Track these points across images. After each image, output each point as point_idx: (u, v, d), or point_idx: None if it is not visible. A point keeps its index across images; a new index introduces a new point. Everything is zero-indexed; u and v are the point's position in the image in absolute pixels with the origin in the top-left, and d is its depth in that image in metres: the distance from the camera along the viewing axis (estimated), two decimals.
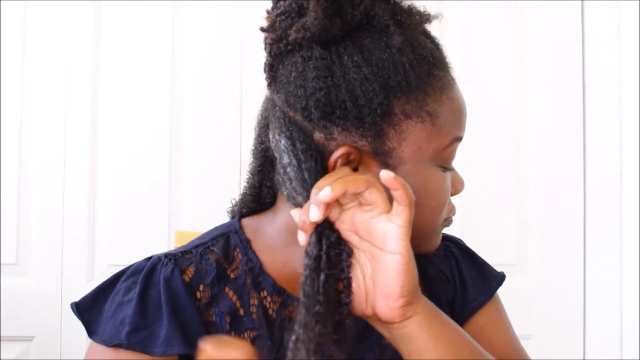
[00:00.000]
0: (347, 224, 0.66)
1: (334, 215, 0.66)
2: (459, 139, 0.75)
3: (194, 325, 0.74)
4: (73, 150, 1.68)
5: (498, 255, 1.75)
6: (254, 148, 0.81)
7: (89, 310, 0.77)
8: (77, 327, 0.82)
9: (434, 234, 0.77)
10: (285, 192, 0.72)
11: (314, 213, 0.63)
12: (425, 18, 0.75)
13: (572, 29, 1.79)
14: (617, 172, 1.75)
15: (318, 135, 0.70)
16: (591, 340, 1.76)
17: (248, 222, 0.81)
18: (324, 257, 0.64)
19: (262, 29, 0.73)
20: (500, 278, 0.91)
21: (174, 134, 1.70)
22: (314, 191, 0.63)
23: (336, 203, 0.66)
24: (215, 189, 1.68)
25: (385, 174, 0.63)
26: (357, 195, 0.65)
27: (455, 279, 0.88)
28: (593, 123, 1.78)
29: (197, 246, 0.79)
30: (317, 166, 0.69)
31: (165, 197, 1.69)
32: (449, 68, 0.75)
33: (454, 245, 0.91)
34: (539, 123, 1.78)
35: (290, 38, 0.70)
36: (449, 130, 0.73)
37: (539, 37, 1.79)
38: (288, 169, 0.70)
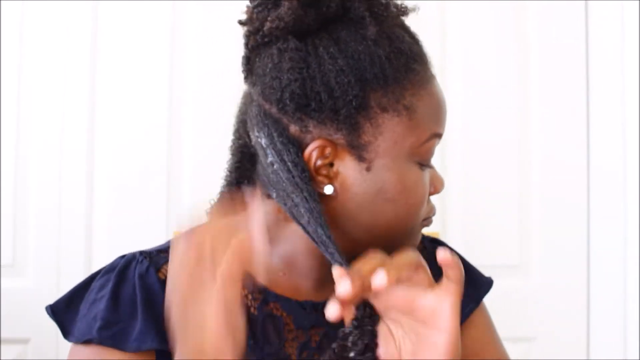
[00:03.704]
0: (383, 302, 0.63)
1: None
2: (437, 135, 0.73)
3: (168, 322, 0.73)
4: (70, 151, 1.67)
5: (500, 256, 1.75)
6: (231, 144, 0.80)
7: (64, 311, 0.77)
8: None
9: (412, 232, 0.75)
10: (273, 193, 0.71)
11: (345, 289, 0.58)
12: (403, 11, 0.74)
13: (575, 28, 1.78)
14: (620, 173, 1.74)
15: (294, 129, 0.70)
16: (595, 342, 1.74)
17: None
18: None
19: (240, 22, 0.73)
20: (488, 284, 0.89)
21: (172, 133, 1.69)
22: (351, 274, 0.60)
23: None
24: (214, 189, 1.65)
25: (444, 254, 0.61)
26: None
27: None
28: (596, 124, 1.77)
29: None
30: (298, 159, 0.68)
31: (163, 198, 1.68)
32: (428, 64, 0.74)
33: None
34: (541, 123, 1.77)
35: (266, 29, 0.70)
36: (427, 125, 0.71)
37: (542, 37, 1.77)
38: (275, 167, 0.69)
